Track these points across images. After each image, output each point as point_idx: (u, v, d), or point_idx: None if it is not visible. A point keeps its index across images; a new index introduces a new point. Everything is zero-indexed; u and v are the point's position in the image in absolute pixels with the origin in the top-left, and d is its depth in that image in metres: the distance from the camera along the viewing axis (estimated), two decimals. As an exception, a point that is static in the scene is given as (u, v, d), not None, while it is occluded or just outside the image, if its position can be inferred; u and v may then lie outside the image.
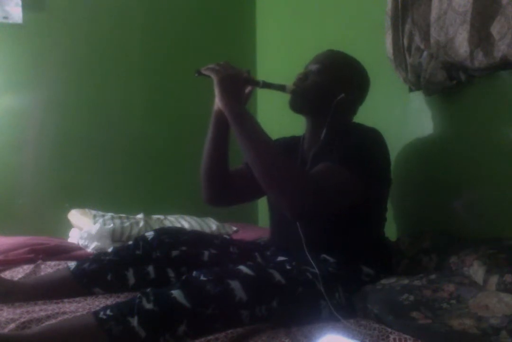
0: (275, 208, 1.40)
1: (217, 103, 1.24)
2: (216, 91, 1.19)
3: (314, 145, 1.30)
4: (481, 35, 1.16)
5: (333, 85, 1.28)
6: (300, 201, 1.06)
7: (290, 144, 1.41)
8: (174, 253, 1.29)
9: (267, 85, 1.29)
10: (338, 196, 1.13)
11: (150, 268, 1.27)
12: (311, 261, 1.14)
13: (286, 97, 1.33)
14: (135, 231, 1.88)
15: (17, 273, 1.46)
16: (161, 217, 2.12)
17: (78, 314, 1.06)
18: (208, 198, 1.40)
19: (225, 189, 1.39)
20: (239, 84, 1.22)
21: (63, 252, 1.71)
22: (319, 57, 1.35)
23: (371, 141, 1.22)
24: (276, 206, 1.09)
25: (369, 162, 1.17)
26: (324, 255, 1.22)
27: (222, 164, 1.36)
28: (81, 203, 2.14)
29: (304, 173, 1.17)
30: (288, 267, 1.11)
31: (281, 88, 1.30)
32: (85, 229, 1.88)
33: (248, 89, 1.29)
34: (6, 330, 0.98)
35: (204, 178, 1.37)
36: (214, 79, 1.19)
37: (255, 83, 1.28)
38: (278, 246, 1.37)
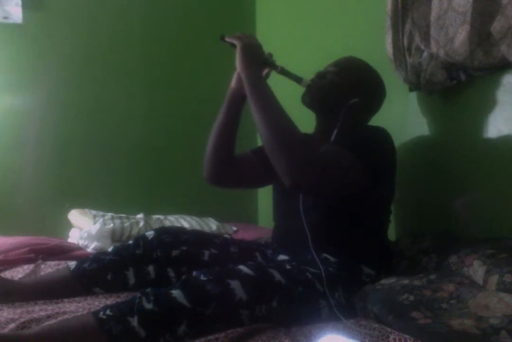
0: (281, 203, 1.41)
1: (236, 73, 1.29)
2: (237, 56, 1.22)
3: (323, 145, 1.30)
4: (481, 35, 1.16)
5: (349, 88, 1.29)
6: (304, 169, 1.05)
7: None
8: (175, 252, 1.29)
9: (284, 72, 1.30)
10: (341, 176, 1.12)
11: (150, 268, 1.27)
12: (316, 258, 1.14)
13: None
14: (135, 231, 1.89)
15: (17, 273, 1.46)
16: (161, 217, 2.12)
17: (78, 314, 1.06)
18: (209, 176, 1.41)
19: (227, 170, 1.40)
20: (261, 54, 1.25)
21: (63, 252, 1.71)
22: (340, 60, 1.36)
23: (379, 137, 1.24)
24: (279, 174, 1.08)
25: (376, 153, 1.18)
26: (325, 254, 1.22)
27: (229, 144, 1.38)
28: (81, 203, 2.15)
29: (312, 145, 1.18)
30: (288, 267, 1.11)
31: (298, 79, 1.30)
32: (85, 229, 1.88)
33: (265, 71, 1.30)
34: (6, 330, 0.98)
35: (209, 155, 1.38)
36: (237, 45, 1.22)
37: (274, 67, 1.29)
38: (280, 244, 1.38)
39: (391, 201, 1.33)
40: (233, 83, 1.34)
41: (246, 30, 2.59)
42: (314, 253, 1.16)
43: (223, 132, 1.36)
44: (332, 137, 1.24)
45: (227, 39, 1.26)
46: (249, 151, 1.45)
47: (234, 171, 1.41)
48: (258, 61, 1.24)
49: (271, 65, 1.28)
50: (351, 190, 1.16)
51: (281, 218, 1.42)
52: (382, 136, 1.25)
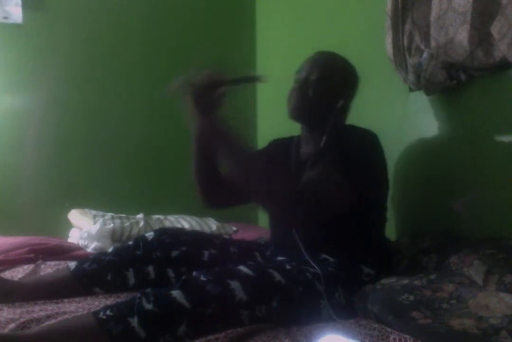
0: (272, 211, 1.40)
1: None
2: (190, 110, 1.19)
3: (311, 149, 1.30)
4: (481, 35, 1.16)
5: (332, 93, 1.28)
6: (296, 211, 1.08)
7: (288, 145, 1.40)
8: (174, 253, 1.29)
9: (237, 80, 1.23)
10: (333, 200, 1.12)
11: (150, 268, 1.27)
12: (310, 261, 1.14)
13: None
14: (135, 231, 1.89)
15: (17, 273, 1.46)
16: (161, 217, 2.12)
17: (78, 314, 1.06)
18: (205, 202, 1.41)
19: (220, 193, 1.39)
20: (209, 97, 1.20)
21: (63, 252, 1.71)
22: (314, 62, 1.31)
23: (368, 146, 1.23)
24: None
25: (367, 166, 1.18)
26: (324, 255, 1.22)
27: (213, 175, 1.36)
28: (81, 203, 2.15)
29: (294, 183, 1.12)
30: (288, 267, 1.11)
31: (253, 79, 1.28)
32: (85, 229, 1.88)
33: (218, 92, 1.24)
34: (6, 330, 0.98)
35: (197, 185, 1.38)
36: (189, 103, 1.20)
37: (230, 83, 1.22)
38: (278, 246, 1.37)
39: (386, 199, 1.34)
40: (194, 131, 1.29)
41: (246, 30, 2.62)
42: (311, 255, 1.16)
43: (202, 169, 1.35)
44: (322, 144, 1.24)
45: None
46: None
47: (228, 193, 1.38)
48: (208, 108, 1.18)
49: (229, 84, 1.22)
50: (346, 206, 1.15)
51: (275, 224, 1.42)
52: (370, 143, 1.23)
